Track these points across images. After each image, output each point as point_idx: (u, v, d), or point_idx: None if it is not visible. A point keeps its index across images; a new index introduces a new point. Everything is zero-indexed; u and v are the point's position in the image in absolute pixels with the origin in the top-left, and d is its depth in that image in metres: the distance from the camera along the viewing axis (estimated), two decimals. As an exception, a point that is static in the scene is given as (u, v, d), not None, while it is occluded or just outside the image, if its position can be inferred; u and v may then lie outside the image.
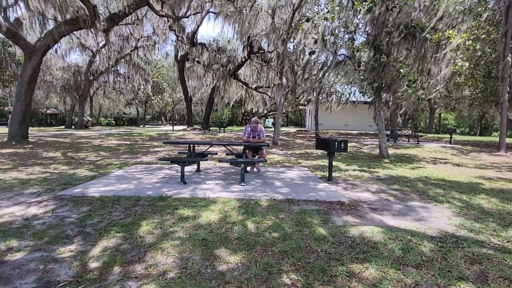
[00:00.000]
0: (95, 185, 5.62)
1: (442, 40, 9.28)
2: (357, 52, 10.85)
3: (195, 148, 6.76)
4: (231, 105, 42.71)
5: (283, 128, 33.99)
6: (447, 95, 25.39)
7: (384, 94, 11.39)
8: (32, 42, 12.61)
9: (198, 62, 23.57)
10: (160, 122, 60.72)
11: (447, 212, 4.46)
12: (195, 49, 21.48)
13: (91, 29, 12.07)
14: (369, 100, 17.91)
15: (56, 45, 17.84)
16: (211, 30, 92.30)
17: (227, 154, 7.37)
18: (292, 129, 32.83)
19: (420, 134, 20.67)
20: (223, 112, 49.74)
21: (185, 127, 28.69)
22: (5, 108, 31.17)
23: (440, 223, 3.97)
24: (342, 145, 6.07)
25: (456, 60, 9.43)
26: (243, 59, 22.16)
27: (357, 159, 10.43)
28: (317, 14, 12.14)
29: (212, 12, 20.28)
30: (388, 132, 17.20)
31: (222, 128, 22.59)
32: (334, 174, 7.05)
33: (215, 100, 25.48)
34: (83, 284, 2.41)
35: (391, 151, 12.52)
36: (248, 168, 7.00)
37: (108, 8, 17.03)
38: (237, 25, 20.61)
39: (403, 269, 2.71)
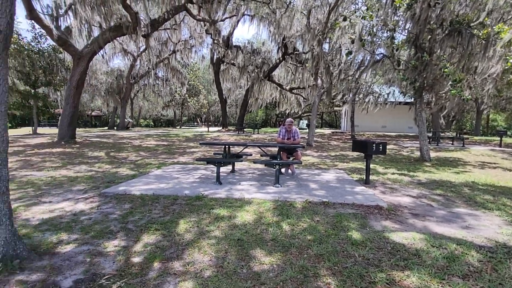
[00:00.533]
0: (136, 184, 5.88)
1: (491, 35, 8.66)
2: (396, 50, 10.43)
3: (230, 149, 6.86)
4: (265, 107, 42.89)
5: (318, 130, 33.48)
6: (496, 95, 23.67)
7: (426, 95, 10.84)
8: (80, 48, 13.50)
9: (233, 64, 23.91)
10: (195, 123, 62.35)
11: (497, 220, 4.15)
12: (230, 51, 21.82)
13: (133, 34, 12.68)
14: (409, 100, 17.16)
15: (101, 51, 18.94)
16: (246, 32, 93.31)
17: (261, 156, 7.39)
18: (327, 131, 32.25)
19: (465, 136, 19.44)
20: (257, 113, 50.03)
21: (220, 128, 29.22)
22: (56, 111, 33.74)
23: (490, 232, 3.70)
24: (381, 147, 5.86)
25: (507, 57, 8.76)
26: (278, 60, 22.15)
27: (396, 162, 10.01)
28: (354, 13, 11.85)
29: (247, 14, 20.49)
30: (430, 134, 16.35)
31: (256, 130, 22.74)
32: (371, 177, 6.82)
33: (249, 102, 25.69)
34: (126, 278, 2.52)
35: (433, 154, 11.89)
36: (283, 170, 6.98)
37: (148, 15, 17.79)
38: (272, 26, 20.66)
39: (448, 279, 2.56)
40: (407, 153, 12.43)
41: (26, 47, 20.46)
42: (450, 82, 8.82)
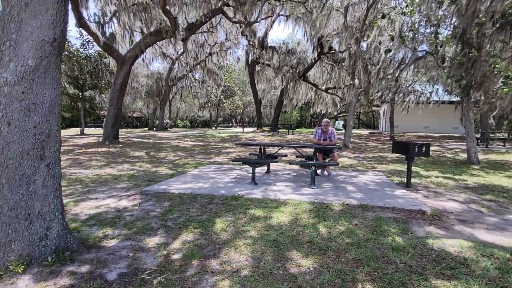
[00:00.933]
0: (174, 183, 6.07)
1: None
2: (440, 47, 9.87)
3: (265, 150, 6.86)
4: (299, 107, 42.50)
5: (354, 130, 32.56)
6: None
7: (474, 93, 10.14)
8: (123, 53, 14.23)
9: (268, 65, 23.96)
10: (230, 124, 63.22)
11: (559, 230, 3.77)
12: (265, 52, 21.88)
13: (172, 38, 13.14)
14: (455, 99, 16.17)
15: (142, 55, 19.83)
16: (280, 32, 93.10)
17: (297, 157, 7.33)
18: (364, 131, 31.27)
19: (519, 137, 17.93)
20: (291, 114, 49.74)
21: (255, 129, 29.40)
22: (101, 112, 35.92)
23: (550, 242, 3.37)
24: (424, 148, 5.57)
25: None
26: (313, 60, 21.87)
27: (439, 164, 9.47)
28: (394, 9, 11.38)
29: (282, 15, 20.42)
30: (478, 135, 15.28)
31: (291, 130, 22.60)
32: (413, 180, 6.50)
33: (284, 102, 25.60)
34: (166, 274, 2.61)
35: (481, 156, 11.10)
36: (319, 171, 6.86)
37: (186, 19, 18.34)
38: (307, 26, 20.41)
39: (502, 292, 2.36)
40: (452, 155, 11.72)
41: (75, 53, 21.94)
42: (501, 79, 8.18)
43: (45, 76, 2.79)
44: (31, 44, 2.69)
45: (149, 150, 12.46)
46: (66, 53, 21.40)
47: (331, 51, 21.28)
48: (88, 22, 12.85)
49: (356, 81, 13.54)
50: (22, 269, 2.60)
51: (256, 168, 6.85)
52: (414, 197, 5.16)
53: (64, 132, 28.75)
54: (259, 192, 5.30)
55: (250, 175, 6.92)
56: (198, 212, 4.29)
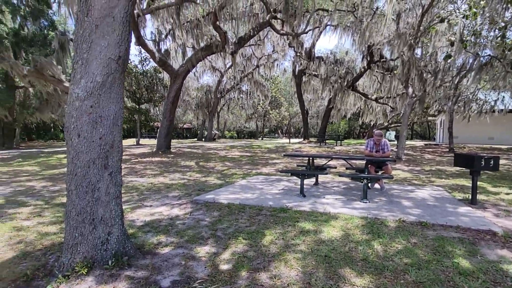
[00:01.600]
0: (223, 193, 6.18)
1: None
2: (508, 51, 9.01)
3: (314, 161, 6.73)
4: (347, 118, 41.37)
5: (408, 142, 30.77)
6: None
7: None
8: (176, 68, 15.04)
9: (315, 75, 23.74)
10: (276, 135, 63.38)
11: None
12: (313, 63, 21.73)
13: (221, 52, 13.62)
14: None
15: (193, 69, 20.82)
16: (327, 43, 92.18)
17: (346, 169, 7.07)
18: (419, 143, 29.42)
19: None
20: (339, 124, 48.53)
21: (301, 140, 29.12)
22: (154, 124, 38.23)
23: None
24: (492, 162, 5.05)
25: None
26: (362, 69, 21.22)
27: (510, 180, 8.53)
28: (453, 12, 10.67)
29: (330, 25, 20.21)
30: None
31: (339, 141, 21.99)
32: (479, 196, 5.91)
33: (331, 113, 25.08)
34: (216, 284, 2.62)
35: (561, 172, 9.80)
36: (370, 184, 6.54)
37: (235, 33, 18.95)
38: (356, 35, 19.96)
39: None
40: (524, 170, 10.50)
41: (133, 69, 23.71)
42: None
43: (110, 91, 3.01)
44: (99, 62, 2.94)
45: (199, 160, 12.89)
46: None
47: (382, 60, 20.50)
48: (145, 40, 13.84)
49: (410, 89, 12.83)
50: (86, 271, 2.78)
51: (305, 180, 6.73)
52: (482, 215, 4.67)
53: (122, 142, 30.95)
54: (308, 205, 5.18)
55: (298, 187, 6.81)
56: (246, 223, 4.29)
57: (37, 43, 18.92)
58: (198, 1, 12.21)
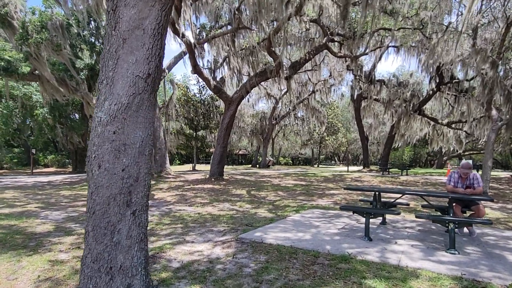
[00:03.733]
0: (273, 230, 5.42)
1: None
2: None
3: (381, 196, 5.68)
4: (412, 144, 38.15)
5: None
6: None
7: None
8: (231, 94, 15.05)
9: (376, 99, 22.27)
10: (333, 162, 60.96)
11: None
12: (373, 86, 20.43)
13: (276, 78, 13.29)
14: None
15: (248, 96, 20.91)
16: (389, 65, 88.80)
17: (423, 206, 5.86)
18: (502, 173, 25.57)
19: None
20: (403, 152, 44.96)
21: (361, 168, 27.21)
22: (210, 150, 39.25)
23: None
24: None
25: None
26: (431, 92, 19.33)
27: None
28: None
29: (392, 46, 18.96)
30: None
31: (404, 171, 19.85)
32: None
33: (395, 139, 23.12)
34: None
35: None
36: (458, 230, 5.27)
37: (290, 59, 18.70)
38: (422, 55, 18.41)
39: None
40: None
41: (193, 98, 24.64)
42: None
43: (137, 115, 2.57)
44: (125, 81, 2.52)
45: (250, 189, 12.32)
46: (184, 98, 24.21)
47: (454, 80, 18.49)
48: (202, 68, 14.13)
49: (494, 112, 10.99)
50: (94, 337, 2.23)
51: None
52: None
53: (180, 168, 31.96)
54: (375, 252, 4.19)
55: (361, 225, 5.80)
56: (299, 275, 3.48)
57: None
58: (253, 28, 12.16)
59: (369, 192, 7.34)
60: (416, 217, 4.52)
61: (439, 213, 5.43)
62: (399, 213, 4.70)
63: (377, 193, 5.38)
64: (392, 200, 5.92)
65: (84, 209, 8.05)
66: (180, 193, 11.15)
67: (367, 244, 4.60)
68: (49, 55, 12.75)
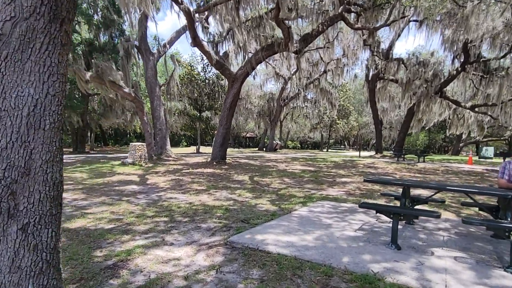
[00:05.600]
0: (273, 230, 4.35)
1: None
2: None
3: (410, 190, 4.53)
4: (427, 129, 36.50)
5: (498, 160, 25.46)
6: None
7: None
8: (235, 71, 13.79)
9: (393, 80, 20.69)
10: (342, 146, 59.48)
11: None
12: (392, 64, 18.83)
13: (284, 52, 11.95)
14: None
15: (253, 73, 19.56)
16: (407, 45, 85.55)
17: (463, 204, 4.70)
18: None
19: None
20: (417, 137, 43.19)
21: (373, 153, 25.89)
22: (215, 132, 38.33)
23: None
24: None
25: None
26: (454, 71, 17.69)
27: None
28: None
29: (414, 20, 17.27)
30: None
31: (421, 157, 18.47)
32: None
33: (411, 123, 21.66)
34: None
35: None
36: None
37: (300, 35, 17.22)
38: (447, 30, 16.72)
39: None
40: None
41: (196, 77, 23.39)
42: None
43: (22, 58, 1.44)
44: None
45: (254, 174, 11.27)
46: (188, 76, 22.98)
47: (481, 59, 16.82)
48: (203, 41, 12.85)
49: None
50: None
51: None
52: None
53: (184, 150, 31.11)
54: (410, 270, 3.10)
55: (383, 224, 4.70)
56: (305, 309, 2.41)
57: (107, 51, 19.51)
58: (259, -6, 10.78)
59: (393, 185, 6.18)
60: (464, 222, 3.37)
61: (486, 215, 4.27)
62: (439, 216, 3.55)
63: (406, 187, 4.23)
64: (422, 194, 4.76)
65: (65, 195, 7.11)
66: (177, 177, 10.17)
67: (395, 255, 3.50)
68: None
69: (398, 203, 6.25)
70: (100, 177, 10.08)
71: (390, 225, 4.48)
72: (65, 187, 8.16)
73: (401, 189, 4.34)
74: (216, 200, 6.78)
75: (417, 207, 4.65)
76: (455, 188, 3.81)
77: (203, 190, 7.97)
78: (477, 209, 5.18)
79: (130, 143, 13.69)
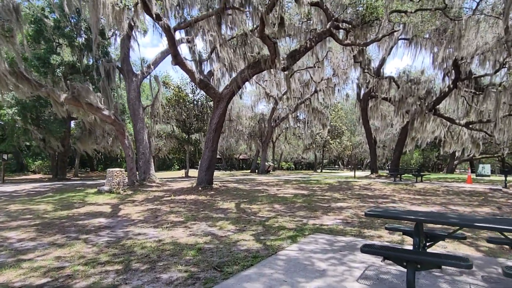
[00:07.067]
0: (251, 286, 3.36)
1: None
2: None
3: (423, 226, 3.63)
4: (421, 148, 36.02)
5: (498, 178, 24.74)
6: None
7: None
8: (220, 90, 13.06)
9: (385, 98, 20.20)
10: (337, 166, 58.71)
11: None
12: (384, 80, 18.36)
13: (272, 69, 11.29)
14: None
15: (240, 92, 18.86)
16: (397, 63, 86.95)
17: (488, 241, 3.78)
18: (522, 180, 23.28)
19: None
20: (412, 155, 42.66)
21: (368, 173, 25.07)
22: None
23: None
24: None
25: None
26: (446, 89, 17.26)
27: None
28: None
29: (403, 38, 17.00)
30: None
31: (419, 177, 17.64)
32: None
33: (405, 141, 21.02)
34: None
35: None
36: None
37: (289, 50, 16.75)
38: (436, 48, 16.41)
39: None
40: None
41: (185, 99, 22.67)
42: None
43: None
44: None
45: (241, 200, 10.27)
46: (176, 98, 22.27)
47: (473, 76, 16.44)
48: (185, 60, 12.14)
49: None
50: None
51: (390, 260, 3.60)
52: None
53: (174, 174, 29.86)
54: None
55: (391, 269, 3.75)
56: None
57: (89, 73, 18.78)
58: (243, 9, 10.17)
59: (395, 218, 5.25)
60: (506, 275, 2.45)
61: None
62: (471, 266, 2.63)
63: (419, 224, 3.32)
64: (451, 233, 3.82)
65: (13, 234, 6.02)
66: (154, 207, 9.12)
67: (414, 322, 2.54)
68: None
69: (406, 238, 5.33)
70: (66, 208, 8.98)
71: (401, 268, 3.56)
72: (18, 222, 7.08)
73: (420, 228, 3.44)
74: (192, 235, 5.77)
75: (433, 246, 3.72)
76: (486, 225, 2.91)
77: (180, 223, 6.95)
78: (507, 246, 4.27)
79: (107, 169, 12.64)
